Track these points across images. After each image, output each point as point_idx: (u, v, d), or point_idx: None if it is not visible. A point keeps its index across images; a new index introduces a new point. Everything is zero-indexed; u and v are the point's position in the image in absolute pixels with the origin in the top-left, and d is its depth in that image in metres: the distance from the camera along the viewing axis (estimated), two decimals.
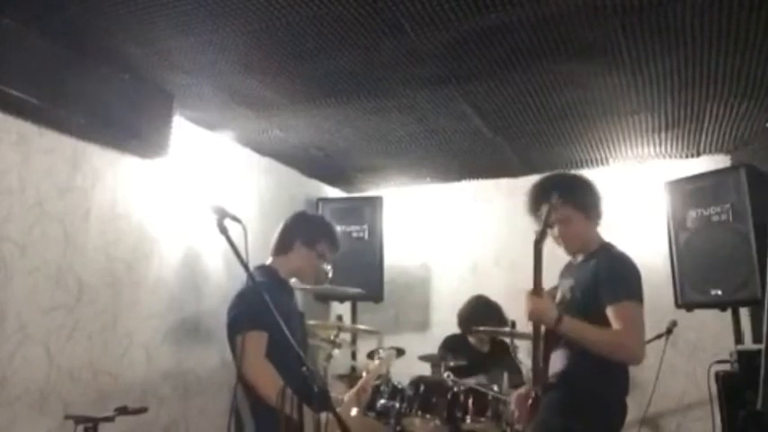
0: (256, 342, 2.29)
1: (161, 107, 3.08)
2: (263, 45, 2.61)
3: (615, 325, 2.11)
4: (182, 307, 3.41)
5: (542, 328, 2.23)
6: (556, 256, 2.46)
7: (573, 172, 2.59)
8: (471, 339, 3.95)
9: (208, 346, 3.50)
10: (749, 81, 2.90)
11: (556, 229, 2.32)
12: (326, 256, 2.68)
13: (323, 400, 1.87)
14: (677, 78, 2.90)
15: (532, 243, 2.21)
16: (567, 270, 2.49)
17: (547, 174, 2.56)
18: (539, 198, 2.34)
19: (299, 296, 2.91)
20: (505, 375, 3.30)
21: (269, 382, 2.23)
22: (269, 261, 2.64)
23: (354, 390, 2.62)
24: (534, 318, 2.19)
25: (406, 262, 4.83)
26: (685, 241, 3.53)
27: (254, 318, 2.26)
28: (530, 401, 2.23)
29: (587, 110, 3.31)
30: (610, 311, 2.13)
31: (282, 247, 2.63)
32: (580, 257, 2.39)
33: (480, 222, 4.67)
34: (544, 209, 2.21)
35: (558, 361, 2.26)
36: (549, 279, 2.51)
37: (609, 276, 2.20)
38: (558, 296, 2.40)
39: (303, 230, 2.64)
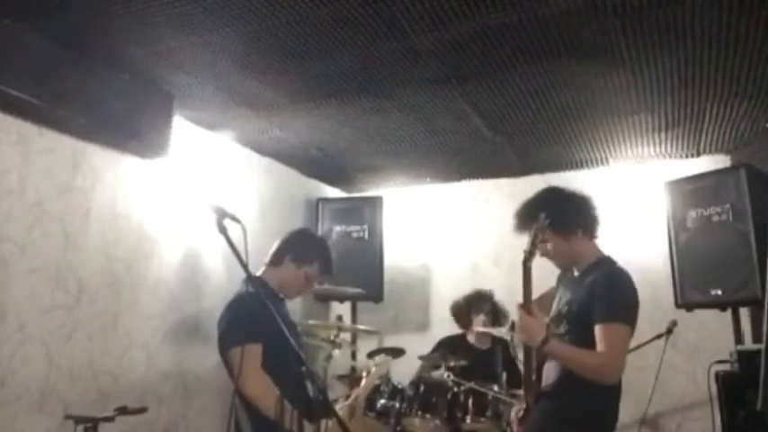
0: (250, 355, 2.28)
1: (161, 107, 3.08)
2: (263, 45, 2.61)
3: (599, 346, 2.10)
4: (182, 307, 3.41)
5: None
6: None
7: (565, 188, 2.45)
8: (470, 338, 3.96)
9: (208, 346, 3.48)
10: (749, 81, 2.90)
11: (548, 246, 2.30)
12: (313, 278, 2.71)
13: (323, 407, 1.87)
14: (677, 78, 2.90)
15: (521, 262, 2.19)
16: (566, 280, 2.46)
17: (539, 191, 2.45)
18: (527, 218, 2.30)
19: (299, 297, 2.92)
20: (504, 376, 3.29)
21: (267, 394, 2.24)
22: (260, 272, 2.66)
23: (347, 403, 2.64)
24: (523, 335, 2.19)
25: (406, 262, 4.83)
26: (685, 241, 3.52)
27: (245, 330, 2.27)
28: (520, 413, 2.24)
29: (587, 110, 3.31)
30: (597, 330, 2.12)
31: (274, 259, 2.68)
32: (578, 271, 2.37)
33: (480, 222, 4.67)
34: (532, 229, 2.19)
35: (551, 372, 2.27)
36: (545, 281, 2.51)
37: (603, 295, 2.17)
38: (555, 308, 2.39)
39: (296, 248, 2.69)
